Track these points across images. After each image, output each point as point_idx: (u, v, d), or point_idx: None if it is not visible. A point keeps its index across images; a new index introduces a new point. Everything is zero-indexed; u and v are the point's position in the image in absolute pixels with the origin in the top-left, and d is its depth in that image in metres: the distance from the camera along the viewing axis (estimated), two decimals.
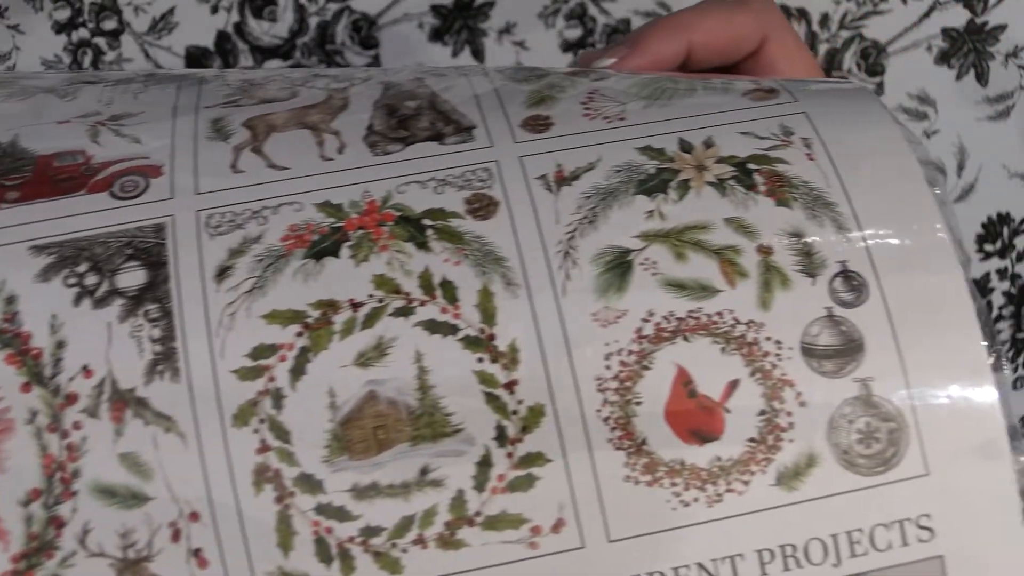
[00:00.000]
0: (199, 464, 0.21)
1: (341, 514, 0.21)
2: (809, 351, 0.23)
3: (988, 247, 0.47)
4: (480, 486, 0.22)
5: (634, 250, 0.23)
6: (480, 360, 0.22)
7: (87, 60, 0.45)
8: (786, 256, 0.23)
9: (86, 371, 0.22)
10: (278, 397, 0.22)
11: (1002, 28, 0.44)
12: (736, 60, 0.29)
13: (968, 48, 0.45)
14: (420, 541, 0.21)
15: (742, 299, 0.23)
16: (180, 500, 0.21)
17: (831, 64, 0.45)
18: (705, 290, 0.22)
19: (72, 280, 0.22)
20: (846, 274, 0.23)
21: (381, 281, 0.22)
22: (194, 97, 0.25)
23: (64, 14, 0.44)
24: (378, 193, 0.23)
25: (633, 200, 0.23)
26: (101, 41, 0.44)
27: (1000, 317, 0.49)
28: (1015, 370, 0.49)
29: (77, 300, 0.22)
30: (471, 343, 0.22)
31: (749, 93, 0.25)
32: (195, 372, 0.21)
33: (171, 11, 0.44)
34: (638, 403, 0.22)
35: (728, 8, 0.29)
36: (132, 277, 0.23)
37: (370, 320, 0.22)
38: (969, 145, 0.46)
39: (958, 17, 0.44)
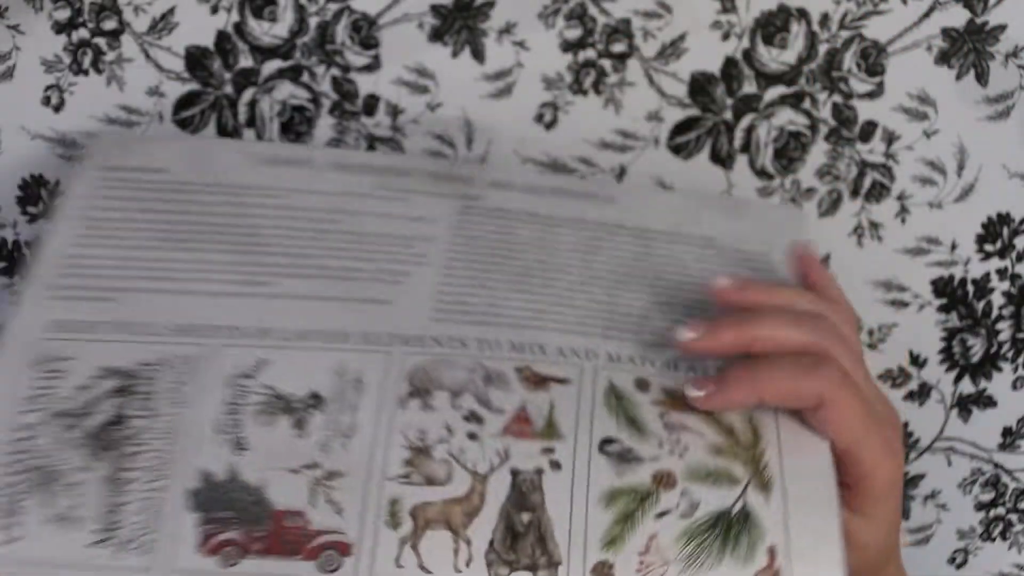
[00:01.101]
0: None
1: None
2: None
3: (988, 247, 0.47)
4: None
5: None
6: None
7: (87, 60, 0.45)
8: None
9: None
10: None
11: (1002, 28, 0.44)
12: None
13: (968, 48, 0.45)
14: None
15: None
16: None
17: (831, 64, 0.45)
18: None
19: None
20: None
21: None
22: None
23: (64, 14, 0.44)
24: None
25: None
26: (101, 41, 0.44)
27: (1000, 317, 0.49)
28: (1015, 370, 0.50)
29: None
30: None
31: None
32: None
33: (171, 11, 0.44)
34: None
35: (798, 370, 0.34)
36: None
37: None
38: (969, 145, 0.46)
39: (958, 17, 0.44)
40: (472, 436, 0.35)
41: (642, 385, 0.36)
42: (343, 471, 0.34)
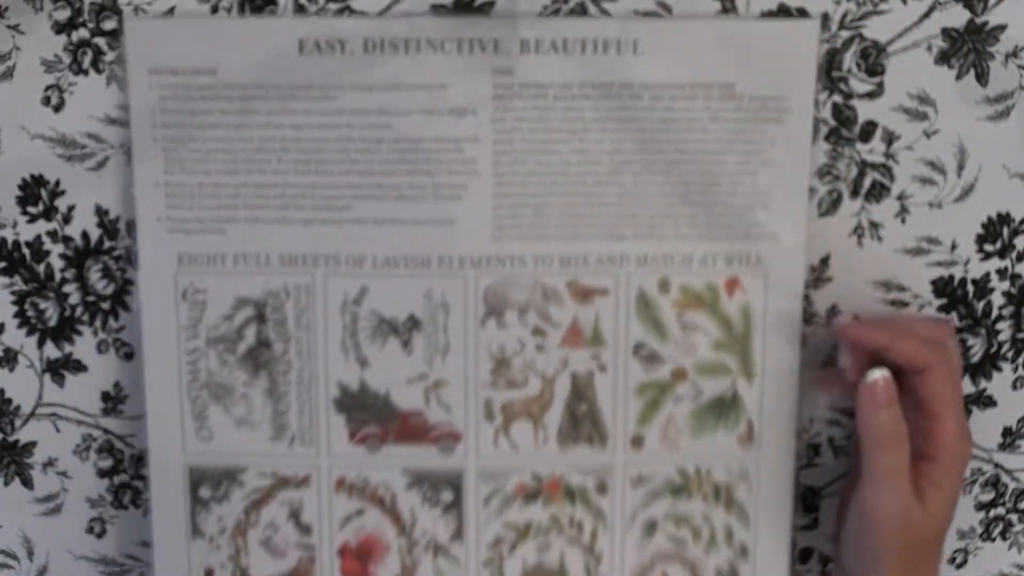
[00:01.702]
0: None
1: None
2: None
3: (988, 247, 0.47)
4: None
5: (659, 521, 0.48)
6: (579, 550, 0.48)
7: (87, 60, 0.45)
8: None
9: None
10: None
11: (1002, 28, 0.44)
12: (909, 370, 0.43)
13: (968, 48, 0.45)
14: None
15: None
16: None
17: (831, 64, 0.45)
18: None
19: (420, 492, 0.47)
20: None
21: (552, 518, 0.48)
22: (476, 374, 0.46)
23: (64, 14, 0.44)
24: (558, 472, 0.47)
25: (665, 499, 0.48)
26: (101, 41, 0.44)
27: (1000, 317, 0.49)
28: (1015, 370, 0.49)
29: (423, 500, 0.47)
30: (585, 549, 0.48)
31: None
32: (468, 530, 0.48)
33: (170, 11, 0.44)
34: None
35: (920, 342, 0.43)
36: (447, 494, 0.47)
37: (544, 534, 0.48)
38: (969, 145, 0.46)
39: (958, 17, 0.44)
40: (539, 348, 0.46)
41: (664, 286, 0.46)
42: (446, 380, 0.46)
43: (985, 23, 0.44)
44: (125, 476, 0.50)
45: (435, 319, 0.45)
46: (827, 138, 0.46)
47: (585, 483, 0.47)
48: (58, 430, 0.50)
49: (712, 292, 0.46)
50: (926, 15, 0.44)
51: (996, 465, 0.51)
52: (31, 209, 0.47)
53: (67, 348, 0.49)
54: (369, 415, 0.46)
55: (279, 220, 0.45)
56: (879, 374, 0.43)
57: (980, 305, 0.48)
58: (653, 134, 0.44)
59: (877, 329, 0.44)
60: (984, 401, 0.50)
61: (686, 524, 0.48)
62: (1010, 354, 0.49)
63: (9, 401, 0.49)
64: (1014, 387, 0.50)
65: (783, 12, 0.44)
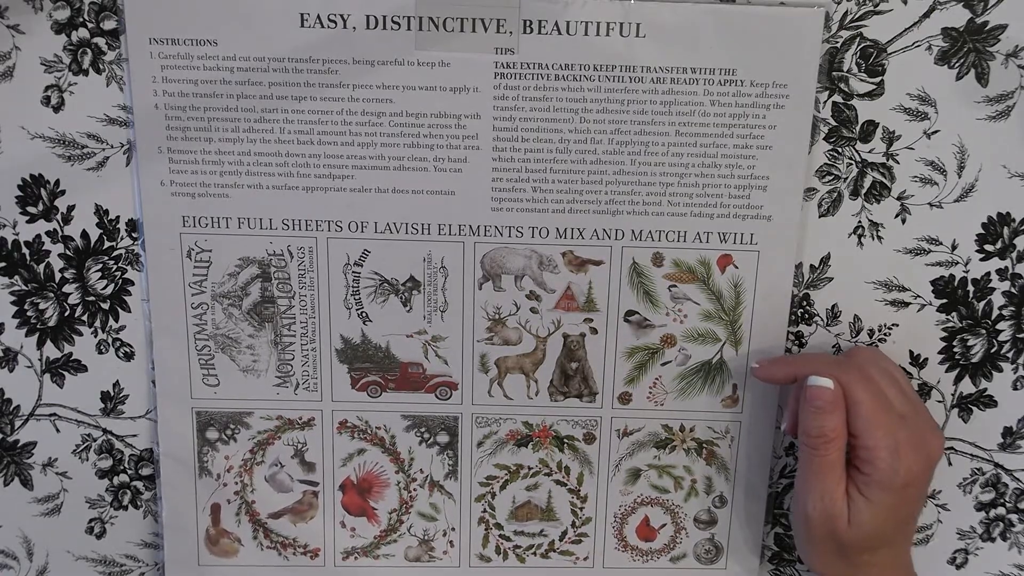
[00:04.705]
0: None
1: None
2: None
3: (988, 247, 0.47)
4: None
5: (643, 470, 0.51)
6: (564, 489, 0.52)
7: (87, 60, 0.45)
8: None
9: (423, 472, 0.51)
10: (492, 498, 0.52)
11: (1002, 28, 0.44)
12: None
13: (968, 48, 0.45)
14: None
15: None
16: None
17: (832, 64, 0.45)
18: None
19: (418, 434, 0.50)
20: None
21: (541, 461, 0.51)
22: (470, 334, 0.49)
23: (64, 14, 0.44)
24: (548, 422, 0.50)
25: (649, 450, 0.51)
26: (101, 41, 0.44)
27: (1000, 317, 0.49)
28: (1015, 370, 0.49)
29: (420, 441, 0.50)
30: (571, 491, 0.52)
31: None
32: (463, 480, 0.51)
33: None
34: None
35: (825, 362, 0.44)
36: (443, 437, 0.50)
37: (533, 475, 0.51)
38: (969, 145, 0.46)
39: (958, 17, 0.44)
40: (534, 310, 0.48)
41: (657, 259, 0.47)
42: (444, 336, 0.48)
43: (985, 23, 0.44)
44: (125, 476, 0.50)
45: (434, 281, 0.47)
46: (827, 138, 0.46)
47: (574, 432, 0.50)
48: (58, 430, 0.50)
49: (704, 267, 0.47)
50: (926, 15, 0.44)
51: (996, 465, 0.51)
52: (31, 209, 0.47)
53: (67, 348, 0.49)
54: (371, 365, 0.49)
55: (282, 187, 0.46)
56: (823, 381, 0.43)
57: (980, 305, 0.48)
58: (654, 116, 0.44)
59: (781, 363, 0.46)
60: (984, 401, 0.50)
61: (668, 474, 0.51)
62: (1010, 354, 0.49)
63: (9, 401, 0.49)
64: (1014, 387, 0.50)
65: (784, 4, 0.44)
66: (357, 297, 0.47)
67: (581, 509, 0.51)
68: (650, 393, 0.49)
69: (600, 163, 0.45)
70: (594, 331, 0.48)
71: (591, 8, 0.43)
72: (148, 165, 0.45)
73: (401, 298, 0.47)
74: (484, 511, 0.51)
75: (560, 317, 0.48)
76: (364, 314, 0.48)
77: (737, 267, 0.47)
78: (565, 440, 0.50)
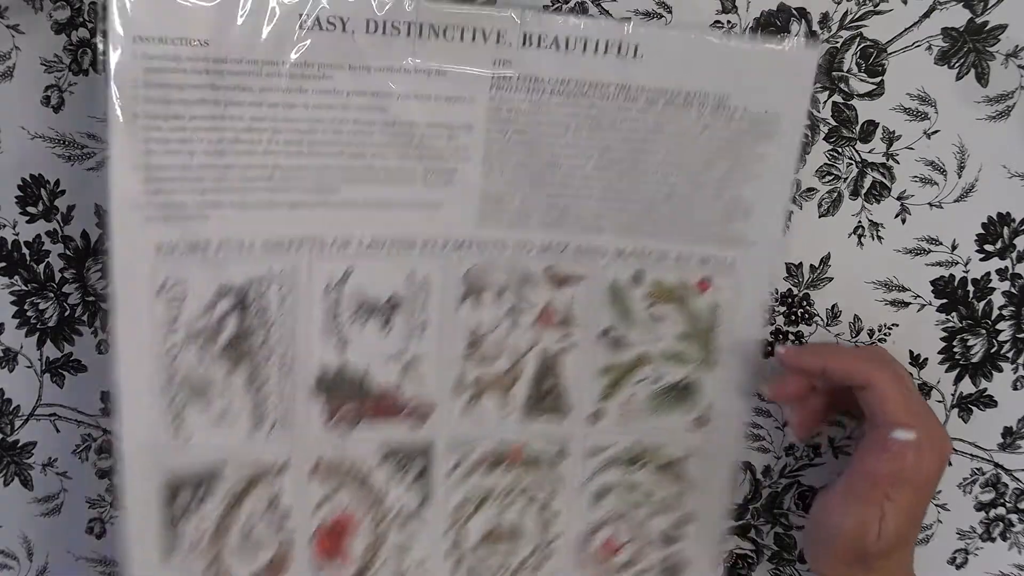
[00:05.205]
0: None
1: None
2: None
3: (988, 247, 0.47)
4: None
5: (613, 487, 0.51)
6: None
7: (87, 60, 0.45)
8: None
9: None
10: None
11: (1002, 28, 0.44)
12: (850, 385, 0.45)
13: (968, 48, 0.45)
14: None
15: None
16: None
17: (831, 64, 0.45)
18: None
19: (392, 464, 0.48)
20: None
21: (512, 481, 0.49)
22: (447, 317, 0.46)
23: (64, 14, 0.44)
24: (521, 441, 0.49)
25: (618, 467, 0.50)
26: (101, 41, 0.44)
27: (1000, 317, 0.49)
28: (1015, 370, 0.49)
29: (395, 472, 0.48)
30: (541, 508, 0.50)
31: None
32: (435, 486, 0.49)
33: None
34: None
35: (856, 355, 0.45)
36: (418, 464, 0.48)
37: (504, 496, 0.50)
38: (969, 145, 0.46)
39: (958, 17, 0.44)
40: (513, 325, 0.47)
41: (638, 278, 0.47)
42: (422, 354, 0.46)
43: (985, 23, 0.44)
44: None
45: (415, 298, 0.45)
46: (827, 138, 0.46)
47: (547, 450, 0.49)
48: (58, 430, 0.50)
49: (684, 288, 0.47)
50: (926, 15, 0.44)
51: (996, 465, 0.51)
52: (31, 209, 0.47)
53: (67, 348, 0.49)
54: (347, 392, 0.46)
55: (266, 204, 0.42)
56: (908, 435, 0.43)
57: (980, 305, 0.48)
58: (644, 136, 0.44)
59: (810, 352, 0.46)
60: (984, 401, 0.50)
61: (636, 491, 0.51)
62: (1010, 354, 0.49)
63: (9, 401, 0.49)
64: (1014, 387, 0.50)
65: (783, 12, 0.44)
66: (337, 320, 0.45)
67: (551, 527, 0.50)
68: (622, 411, 0.49)
69: (588, 179, 0.45)
70: (572, 347, 0.48)
71: (591, 27, 0.43)
72: (120, 185, 0.40)
73: (381, 319, 0.45)
74: (457, 536, 0.49)
75: (539, 333, 0.47)
76: (344, 338, 0.45)
77: (716, 291, 0.47)
78: (537, 458, 0.49)
